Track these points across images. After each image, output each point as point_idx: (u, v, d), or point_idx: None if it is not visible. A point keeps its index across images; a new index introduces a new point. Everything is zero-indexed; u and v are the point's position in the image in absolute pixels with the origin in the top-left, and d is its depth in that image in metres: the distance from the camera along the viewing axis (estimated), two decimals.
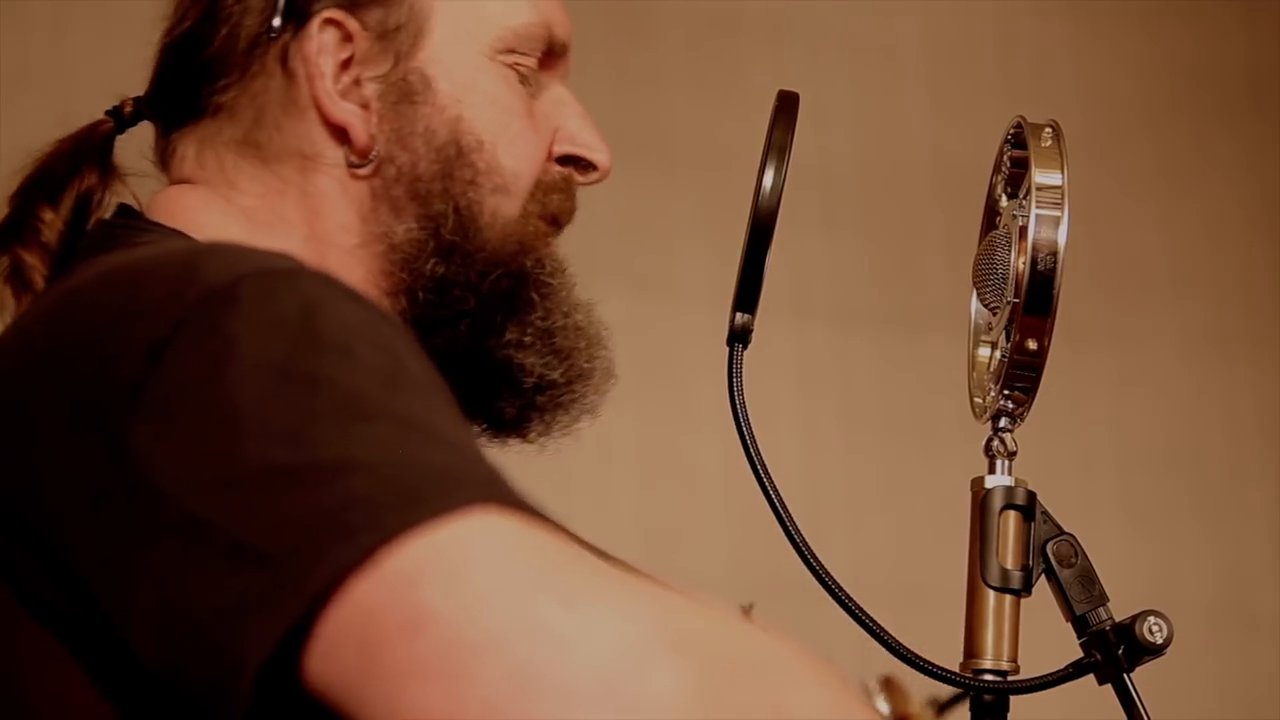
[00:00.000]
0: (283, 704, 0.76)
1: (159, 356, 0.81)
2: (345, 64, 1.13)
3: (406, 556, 0.74)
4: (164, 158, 1.18)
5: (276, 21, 1.12)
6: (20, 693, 0.84)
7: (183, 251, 0.93)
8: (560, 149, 1.18)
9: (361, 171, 1.12)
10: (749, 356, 1.15)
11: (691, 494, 3.05)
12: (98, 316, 0.86)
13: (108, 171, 1.17)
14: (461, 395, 0.86)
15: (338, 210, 1.13)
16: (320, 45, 1.12)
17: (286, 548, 0.75)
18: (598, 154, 1.19)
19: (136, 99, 1.19)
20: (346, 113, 1.12)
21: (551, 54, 1.19)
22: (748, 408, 1.14)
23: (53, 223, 1.12)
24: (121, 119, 1.19)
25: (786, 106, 1.14)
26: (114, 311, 0.85)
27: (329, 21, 1.12)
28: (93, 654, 0.82)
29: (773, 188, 1.12)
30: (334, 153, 1.13)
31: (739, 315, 1.15)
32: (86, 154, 1.16)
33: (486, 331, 1.15)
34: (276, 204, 1.13)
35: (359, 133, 1.12)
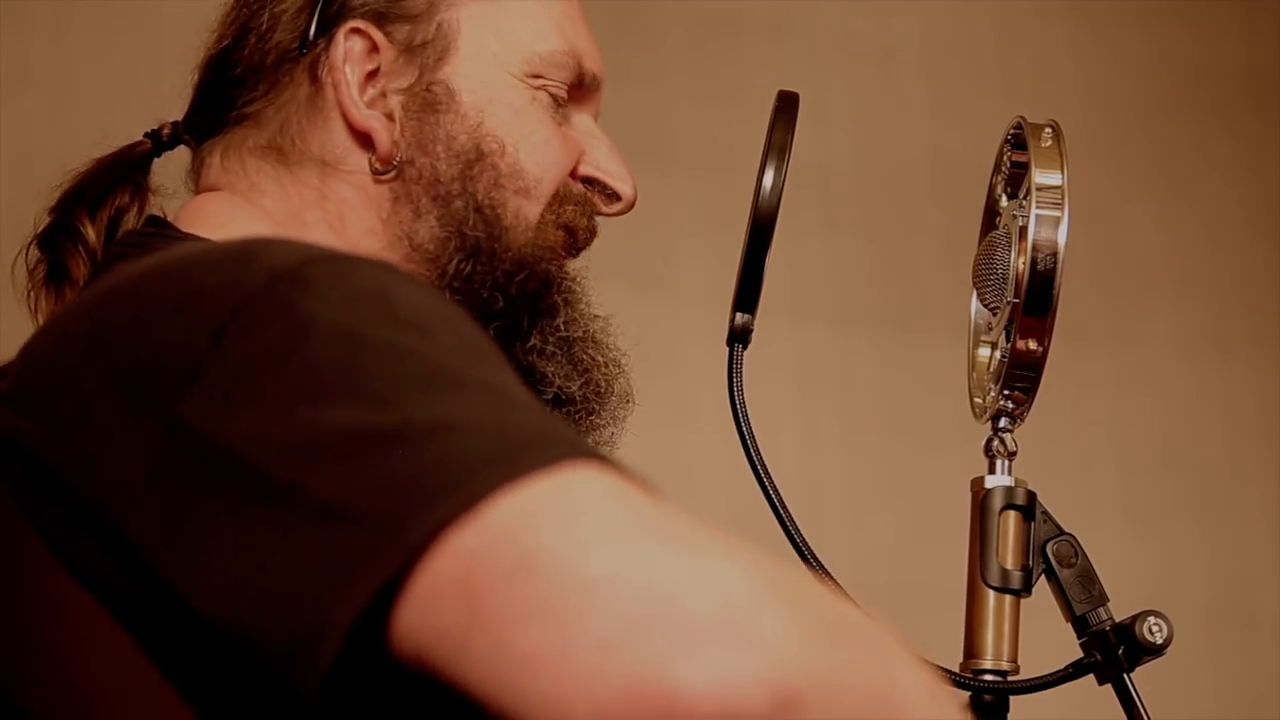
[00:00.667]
0: (366, 680, 0.75)
1: (220, 337, 0.81)
2: (372, 75, 1.16)
3: (511, 507, 0.73)
4: (195, 171, 1.21)
5: (311, 36, 1.16)
6: (68, 669, 0.84)
7: (238, 242, 0.93)
8: (585, 170, 1.21)
9: (384, 177, 1.15)
10: (749, 356, 1.15)
11: (691, 494, 3.05)
12: (152, 303, 0.86)
13: (141, 190, 1.20)
14: None
15: (360, 214, 1.15)
16: (346, 53, 1.15)
17: (382, 505, 0.74)
18: (622, 184, 1.22)
19: (175, 123, 1.23)
20: (370, 119, 1.15)
21: (582, 86, 1.21)
22: (748, 408, 1.14)
23: (89, 232, 1.14)
24: (160, 142, 1.22)
25: (786, 106, 1.14)
26: (169, 298, 0.85)
27: (355, 31, 1.15)
28: (147, 628, 0.81)
29: (773, 188, 1.12)
30: (357, 159, 1.16)
31: (739, 315, 1.15)
32: (122, 172, 1.19)
33: (514, 334, 1.16)
34: (297, 208, 1.15)
35: (382, 139, 1.15)
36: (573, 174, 1.20)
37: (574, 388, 1.17)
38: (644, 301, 3.06)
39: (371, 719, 0.77)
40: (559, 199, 1.19)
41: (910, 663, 0.76)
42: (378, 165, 1.15)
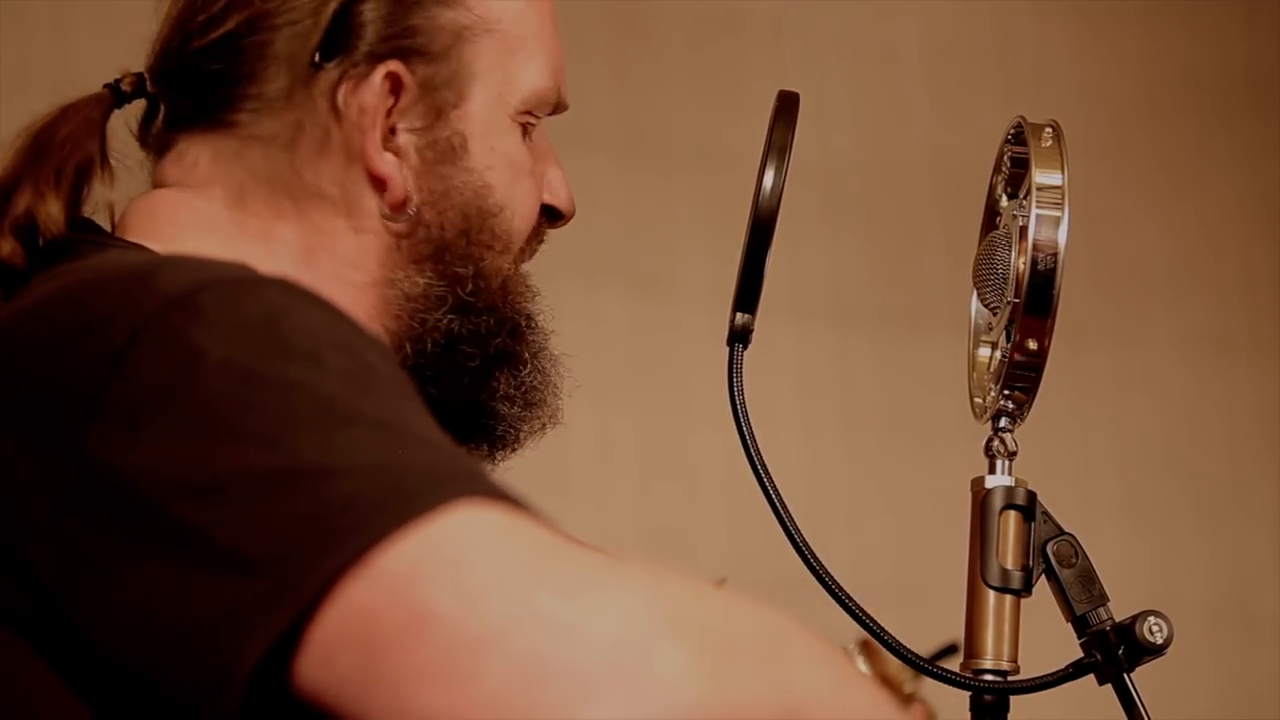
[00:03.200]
0: (270, 711, 0.76)
1: (117, 366, 0.81)
2: (387, 112, 1.11)
3: (399, 556, 0.74)
4: (159, 145, 1.15)
5: (329, 54, 1.09)
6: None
7: (137, 263, 0.92)
8: (545, 199, 1.19)
9: (392, 225, 1.12)
10: (749, 356, 1.15)
11: (691, 494, 3.05)
12: (50, 329, 0.86)
13: (104, 146, 1.13)
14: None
15: (353, 249, 1.12)
16: (380, 95, 1.10)
17: (275, 555, 0.75)
18: (568, 205, 1.21)
19: (137, 75, 1.16)
20: (388, 165, 1.11)
21: (553, 112, 1.20)
22: (748, 408, 1.14)
23: (50, 200, 1.08)
24: (120, 94, 1.16)
25: (787, 106, 1.14)
26: (67, 323, 0.85)
27: (391, 74, 1.10)
28: (66, 660, 0.81)
29: (773, 188, 1.12)
30: (368, 201, 1.11)
31: (739, 315, 1.15)
32: (87, 126, 1.13)
33: (484, 386, 1.15)
34: (281, 229, 1.11)
35: (396, 187, 1.11)
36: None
37: (523, 429, 1.18)
38: (644, 301, 3.06)
39: None
40: (528, 240, 1.18)
41: (812, 659, 0.76)
42: (387, 211, 1.11)
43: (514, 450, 1.19)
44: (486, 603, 0.72)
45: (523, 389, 1.17)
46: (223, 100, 1.12)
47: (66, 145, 1.11)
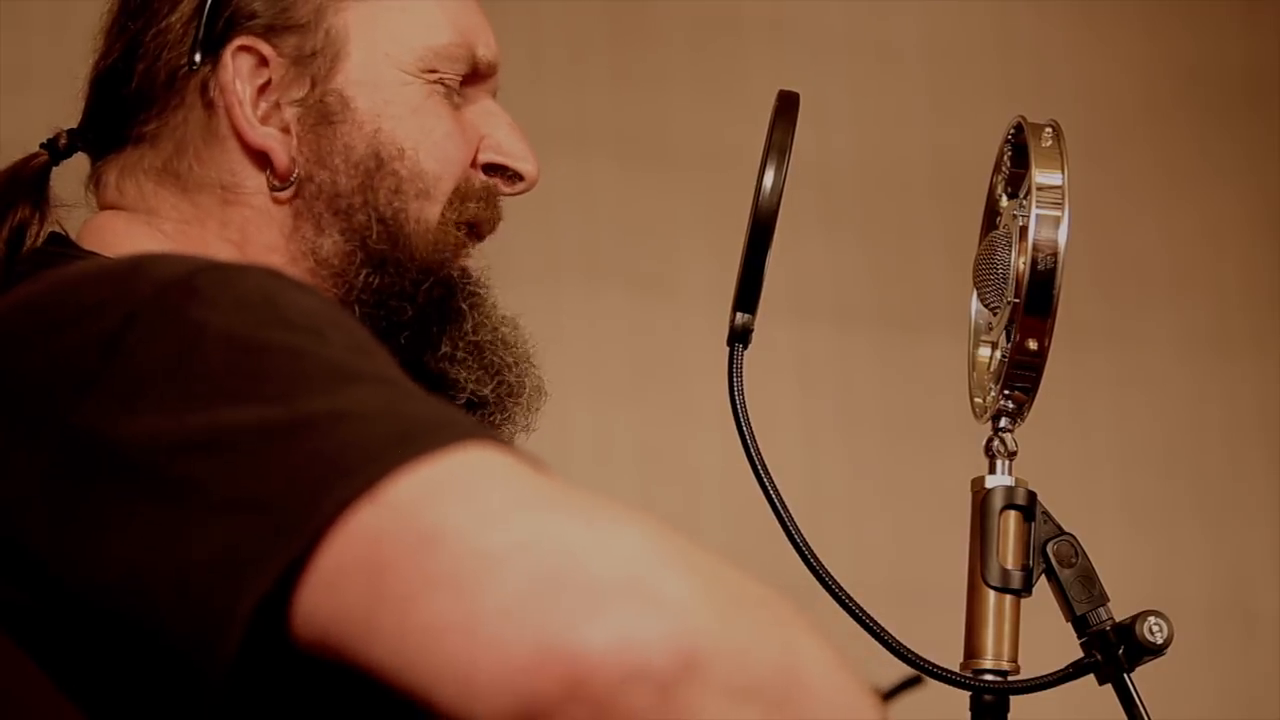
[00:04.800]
0: (267, 670, 0.75)
1: (112, 347, 0.81)
2: (262, 89, 1.14)
3: (412, 483, 0.73)
4: (95, 186, 1.19)
5: (198, 57, 1.14)
6: None
7: (125, 258, 0.93)
8: (485, 157, 1.20)
9: (282, 195, 1.14)
10: (749, 356, 1.15)
11: (691, 494, 3.05)
12: (41, 320, 0.86)
13: (42, 204, 1.18)
14: None
15: (260, 233, 1.14)
16: (235, 72, 1.14)
17: (283, 491, 0.75)
18: (524, 164, 1.21)
19: (70, 131, 1.21)
20: (267, 137, 1.14)
21: (477, 73, 1.20)
22: (748, 408, 1.14)
23: None
24: (56, 151, 1.21)
25: (786, 106, 1.14)
26: (58, 314, 0.85)
27: (242, 49, 1.14)
28: (58, 654, 0.81)
29: (773, 188, 1.12)
30: (255, 180, 1.15)
31: (739, 315, 1.15)
32: (20, 188, 1.17)
33: (424, 344, 1.16)
34: (197, 231, 1.14)
35: (280, 157, 1.14)
36: (473, 163, 1.19)
37: (486, 391, 1.17)
38: (644, 301, 3.06)
39: (277, 709, 0.77)
40: (459, 195, 1.18)
41: (814, 636, 0.77)
42: (275, 183, 1.14)
43: (500, 426, 1.17)
44: (502, 519, 0.72)
45: (474, 349, 1.17)
46: (123, 121, 1.17)
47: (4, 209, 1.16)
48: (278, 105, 1.14)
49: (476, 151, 1.19)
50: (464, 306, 1.17)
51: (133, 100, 1.16)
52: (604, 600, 0.70)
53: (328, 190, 1.14)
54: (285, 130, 1.14)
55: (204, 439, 0.78)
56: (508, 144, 1.20)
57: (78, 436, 0.80)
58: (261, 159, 1.14)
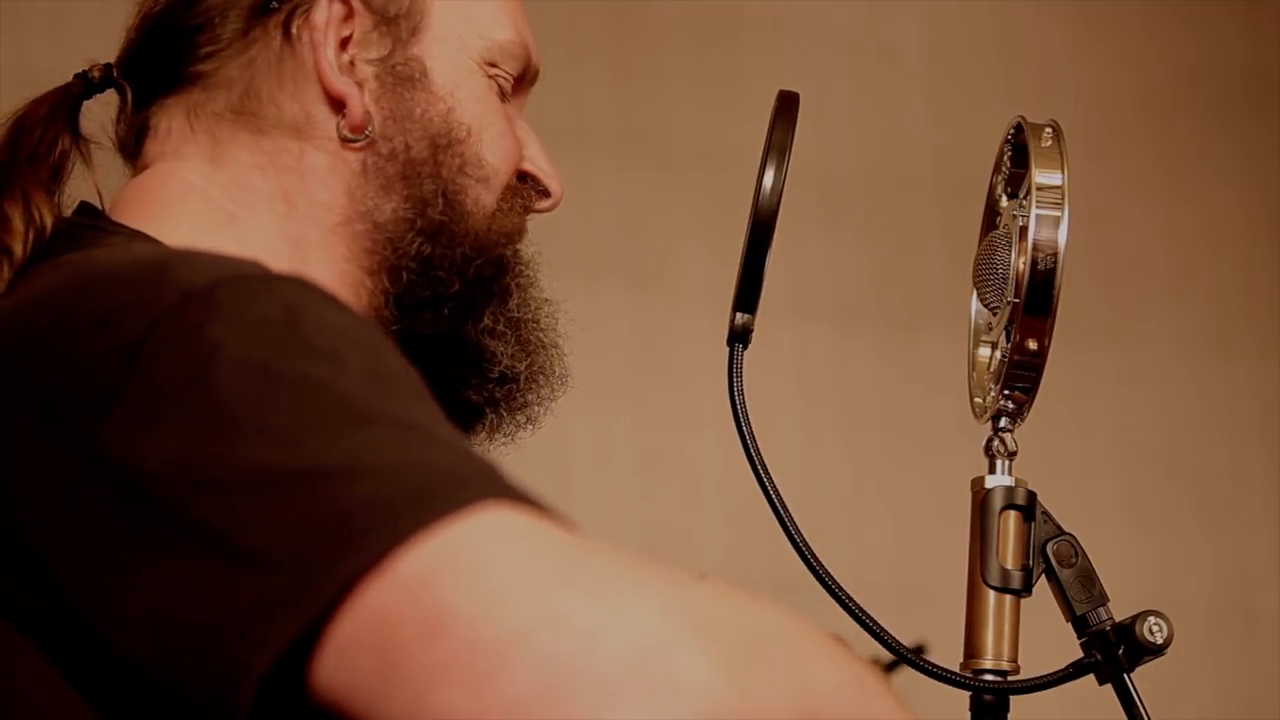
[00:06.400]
0: (283, 714, 0.75)
1: (134, 359, 0.80)
2: (344, 43, 1.13)
3: (420, 558, 0.73)
4: (136, 133, 1.16)
5: None
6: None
7: (154, 256, 0.92)
8: (525, 166, 1.19)
9: (355, 146, 1.13)
10: (749, 356, 1.15)
11: (691, 494, 3.05)
12: (65, 320, 0.85)
13: (79, 137, 1.15)
14: (432, 385, 0.86)
15: (324, 186, 1.13)
16: (329, 17, 1.12)
17: (294, 553, 0.74)
18: (554, 182, 1.21)
19: (106, 65, 1.18)
20: (345, 84, 1.12)
21: (524, 79, 1.20)
22: (748, 408, 1.14)
23: (33, 188, 1.09)
24: (90, 84, 1.18)
25: (786, 106, 1.14)
26: (83, 315, 0.84)
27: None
28: (73, 659, 0.80)
29: (773, 188, 1.12)
30: (328, 124, 1.13)
31: (739, 315, 1.14)
32: (61, 119, 1.14)
33: (467, 314, 1.15)
34: (259, 180, 1.12)
35: (355, 106, 1.12)
36: (517, 167, 1.19)
37: (520, 367, 1.17)
38: (644, 301, 3.06)
39: None
40: (509, 191, 1.18)
41: (829, 660, 0.76)
42: (348, 133, 1.12)
43: (523, 407, 1.17)
44: (508, 603, 0.72)
45: (514, 325, 1.17)
46: (183, 56, 1.14)
47: (42, 135, 1.13)
48: (354, 62, 1.13)
49: (521, 158, 1.19)
50: (511, 285, 1.17)
51: (200, 35, 1.13)
52: (615, 692, 0.69)
53: (400, 153, 1.13)
54: (359, 83, 1.13)
55: (216, 479, 0.77)
56: (541, 159, 1.21)
57: (103, 459, 0.79)
58: (337, 106, 1.13)
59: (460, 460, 0.79)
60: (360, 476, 0.76)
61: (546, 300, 1.19)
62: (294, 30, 1.12)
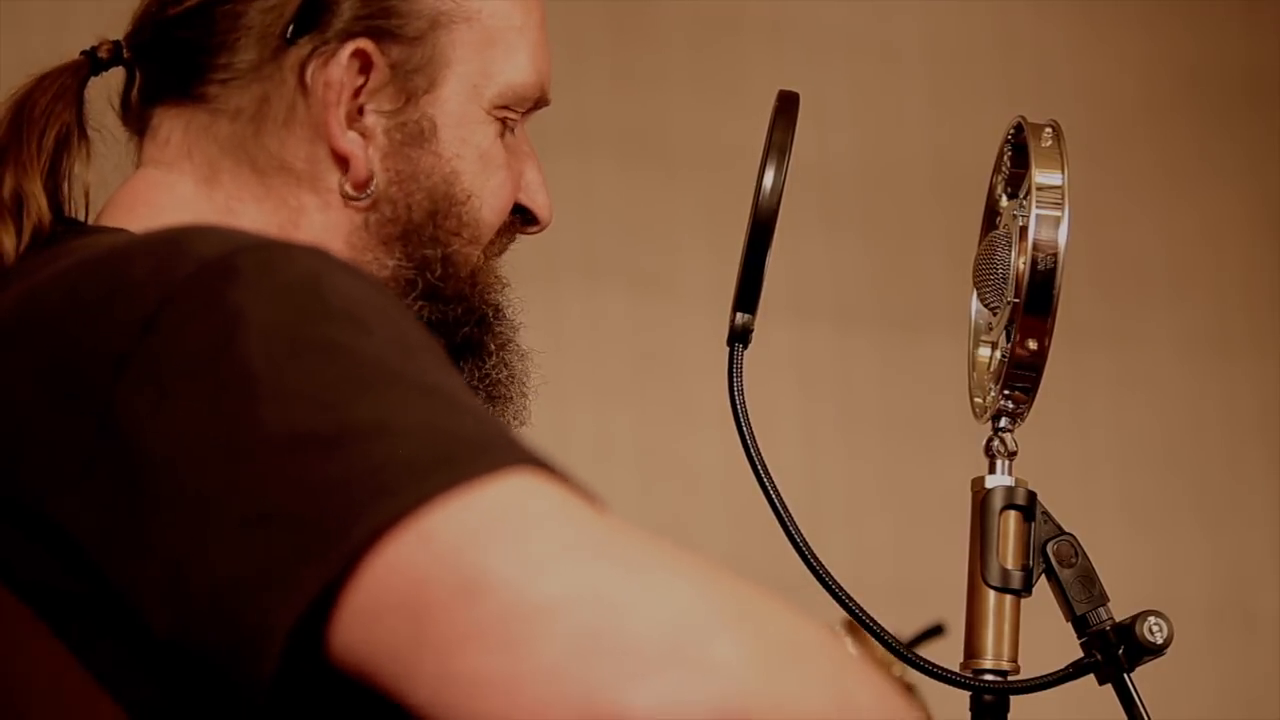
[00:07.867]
0: (306, 681, 0.74)
1: (151, 327, 0.80)
2: (357, 91, 1.11)
3: (451, 518, 0.72)
4: (138, 123, 1.16)
5: (300, 28, 1.10)
6: (9, 682, 0.83)
7: (165, 231, 0.91)
8: (520, 199, 1.19)
9: (356, 204, 1.12)
10: (749, 356, 1.15)
11: (691, 494, 3.05)
12: (78, 296, 0.84)
13: (81, 116, 1.13)
14: None
15: (323, 232, 1.12)
16: (345, 76, 1.11)
17: (319, 509, 0.74)
18: (545, 211, 1.21)
19: (116, 43, 1.16)
20: (351, 144, 1.11)
21: (534, 108, 1.19)
22: (748, 408, 1.14)
23: (35, 166, 1.08)
24: (97, 61, 1.16)
25: (787, 106, 1.14)
26: (97, 288, 0.84)
27: (359, 53, 1.11)
28: (91, 634, 0.80)
29: (773, 188, 1.12)
30: (330, 176, 1.12)
31: (739, 315, 1.15)
32: (67, 93, 1.12)
33: None
34: (254, 211, 1.12)
35: (359, 165, 1.11)
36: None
37: None
38: (644, 301, 3.06)
39: (321, 718, 0.77)
40: (498, 234, 1.18)
41: (868, 682, 0.75)
42: (350, 190, 1.12)
43: None
44: (548, 573, 0.71)
45: (486, 382, 1.17)
46: (194, 71, 1.12)
47: (45, 116, 1.11)
48: (362, 110, 1.11)
49: (517, 190, 1.19)
50: (491, 346, 1.17)
51: (216, 53, 1.11)
52: (649, 664, 0.69)
53: (402, 214, 1.12)
54: (365, 136, 1.12)
55: (239, 444, 0.76)
56: (534, 186, 1.20)
57: (117, 425, 0.78)
58: (342, 162, 1.12)
59: (488, 426, 0.79)
60: (389, 437, 0.75)
61: (521, 353, 1.19)
62: (308, 78, 1.11)
